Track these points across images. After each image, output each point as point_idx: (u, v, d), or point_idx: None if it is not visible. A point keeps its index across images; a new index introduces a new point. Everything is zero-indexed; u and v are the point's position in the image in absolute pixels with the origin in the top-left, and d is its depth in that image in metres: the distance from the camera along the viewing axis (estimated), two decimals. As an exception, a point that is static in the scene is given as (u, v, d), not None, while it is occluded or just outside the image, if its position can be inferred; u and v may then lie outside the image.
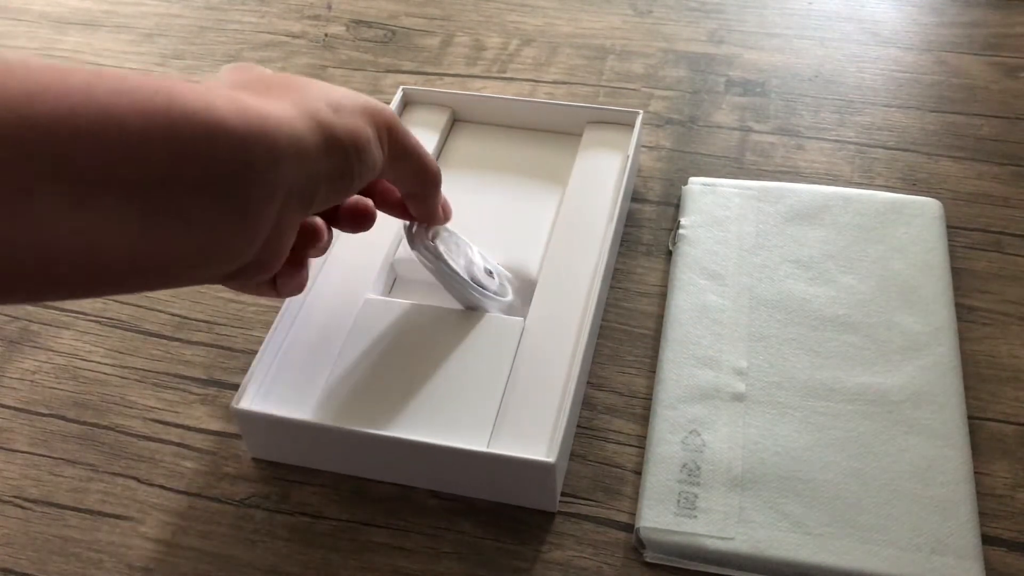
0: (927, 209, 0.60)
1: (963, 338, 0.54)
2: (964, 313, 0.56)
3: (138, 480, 0.52)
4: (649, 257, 0.61)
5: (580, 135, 0.65)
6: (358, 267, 0.57)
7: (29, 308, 0.61)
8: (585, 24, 0.80)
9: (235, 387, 0.53)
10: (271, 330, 0.53)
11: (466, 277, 0.51)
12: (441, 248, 0.50)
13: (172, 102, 0.32)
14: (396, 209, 0.50)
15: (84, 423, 0.54)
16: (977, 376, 0.53)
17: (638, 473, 0.50)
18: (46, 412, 0.55)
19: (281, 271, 0.43)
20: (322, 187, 0.38)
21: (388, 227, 0.60)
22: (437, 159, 0.65)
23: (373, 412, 0.50)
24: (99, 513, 0.50)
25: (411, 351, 0.52)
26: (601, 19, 0.80)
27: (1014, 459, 0.50)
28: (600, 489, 0.50)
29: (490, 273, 0.54)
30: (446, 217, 0.51)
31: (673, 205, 0.64)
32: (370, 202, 0.48)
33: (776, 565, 0.45)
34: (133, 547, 0.49)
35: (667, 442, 0.50)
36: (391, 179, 0.46)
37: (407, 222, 0.50)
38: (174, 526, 0.49)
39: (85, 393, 0.56)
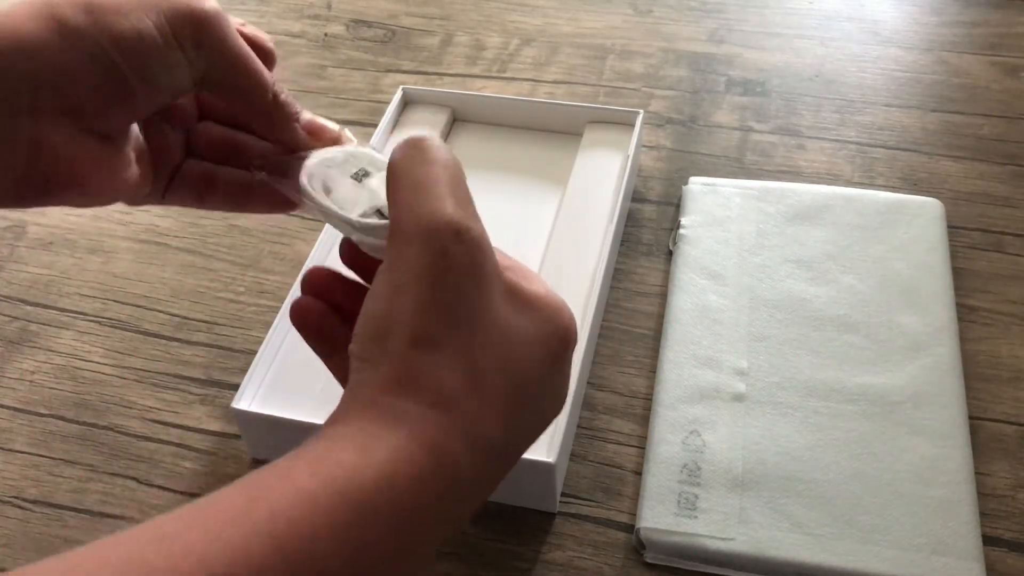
0: (928, 209, 0.60)
1: (964, 338, 0.54)
2: (965, 313, 0.56)
3: (137, 480, 0.52)
4: (649, 257, 0.61)
5: (580, 135, 0.65)
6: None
7: (28, 308, 0.61)
8: (585, 24, 0.80)
9: (235, 387, 0.52)
10: (271, 330, 0.53)
11: (341, 213, 0.38)
12: (311, 181, 0.39)
13: None
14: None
15: (83, 423, 0.54)
16: (978, 376, 0.53)
17: (638, 473, 0.50)
18: (45, 412, 0.55)
19: (168, 186, 0.40)
20: (81, 92, 0.33)
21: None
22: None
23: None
24: (98, 514, 0.50)
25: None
26: (601, 19, 0.80)
27: (1015, 459, 0.50)
28: (600, 489, 0.50)
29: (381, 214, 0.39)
30: (316, 137, 0.41)
31: (673, 205, 0.64)
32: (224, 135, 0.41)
33: (777, 565, 0.45)
34: (132, 548, 0.49)
35: (667, 442, 0.49)
36: (218, 96, 0.38)
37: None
38: (173, 526, 0.49)
39: (84, 393, 0.56)
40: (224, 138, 0.41)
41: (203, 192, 0.41)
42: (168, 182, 0.41)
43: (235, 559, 0.24)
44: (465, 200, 0.31)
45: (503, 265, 0.33)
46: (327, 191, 0.38)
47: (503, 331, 0.30)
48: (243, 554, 0.24)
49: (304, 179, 0.38)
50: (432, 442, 0.28)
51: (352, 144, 0.40)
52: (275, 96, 0.38)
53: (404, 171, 0.31)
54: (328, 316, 0.37)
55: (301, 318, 0.36)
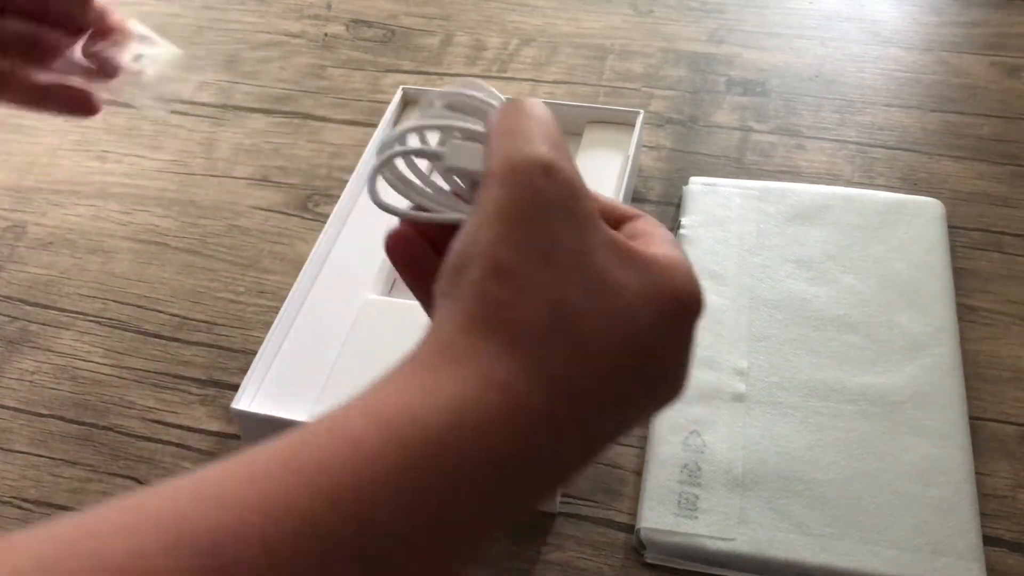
0: (928, 209, 0.60)
1: (964, 338, 0.54)
2: (965, 313, 0.56)
3: (137, 481, 0.52)
4: (649, 257, 0.61)
5: (580, 135, 0.65)
6: (358, 267, 0.57)
7: (28, 308, 0.61)
8: (585, 24, 0.80)
9: (234, 388, 0.52)
10: (271, 330, 0.53)
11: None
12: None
13: None
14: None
15: (83, 424, 0.54)
16: (978, 376, 0.53)
17: (638, 474, 0.50)
18: (45, 413, 0.55)
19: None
20: None
21: (388, 226, 0.60)
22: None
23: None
24: (98, 514, 0.50)
25: (411, 351, 0.52)
26: (601, 19, 0.80)
27: (1015, 459, 0.50)
28: (600, 490, 0.50)
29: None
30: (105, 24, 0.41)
31: (674, 205, 0.64)
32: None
33: (777, 566, 0.45)
34: (132, 548, 0.49)
35: (668, 443, 0.49)
36: None
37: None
38: (173, 527, 0.49)
39: (84, 394, 0.56)
40: (24, 33, 0.41)
41: None
42: None
43: (281, 518, 0.22)
44: (558, 146, 0.30)
45: (616, 214, 0.32)
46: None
47: (600, 276, 0.27)
48: (291, 511, 0.22)
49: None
50: (504, 383, 0.25)
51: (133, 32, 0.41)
52: None
53: (500, 123, 0.30)
54: (421, 246, 0.34)
55: (393, 246, 0.34)
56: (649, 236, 0.30)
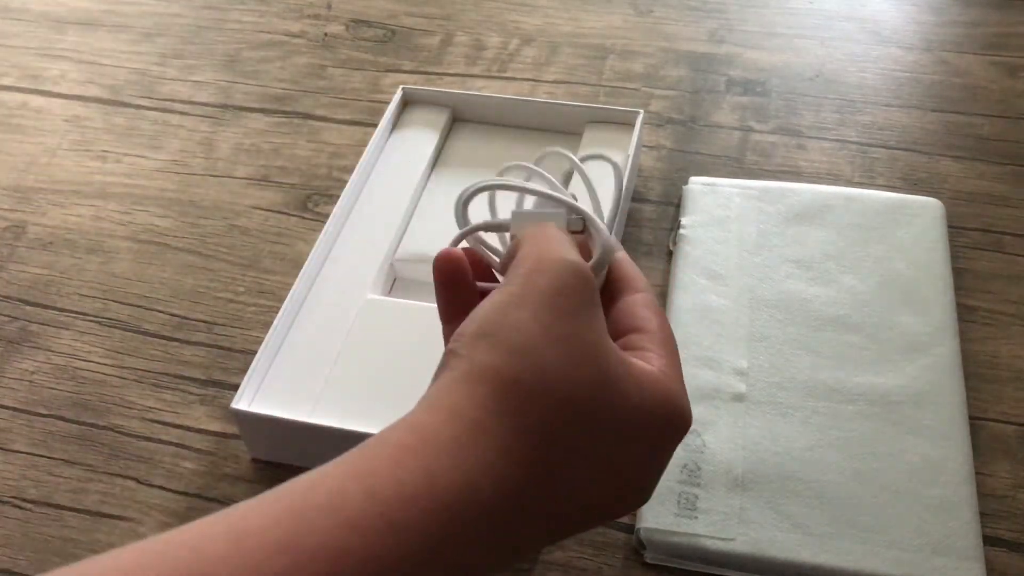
0: (928, 209, 0.60)
1: (964, 338, 0.54)
2: (965, 313, 0.56)
3: (137, 481, 0.52)
4: (650, 257, 0.61)
5: (580, 135, 0.65)
6: (358, 267, 0.57)
7: (28, 308, 0.61)
8: (585, 23, 0.80)
9: (234, 387, 0.52)
10: (271, 330, 0.53)
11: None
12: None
13: None
14: None
15: (83, 423, 0.54)
16: (978, 376, 0.53)
17: (638, 473, 0.50)
18: (45, 413, 0.55)
19: None
20: None
21: (389, 226, 0.60)
22: (437, 159, 0.65)
23: (373, 412, 0.50)
24: (98, 514, 0.50)
25: (411, 351, 0.52)
26: (601, 18, 0.80)
27: (1015, 459, 0.50)
28: (600, 490, 0.50)
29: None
30: None
31: (674, 205, 0.64)
32: None
33: (777, 566, 0.45)
34: (132, 548, 0.49)
35: (667, 442, 0.49)
36: None
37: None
38: (173, 527, 0.49)
39: (84, 394, 0.56)
40: None
41: None
42: None
43: None
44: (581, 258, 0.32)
45: (616, 285, 0.34)
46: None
47: (610, 379, 0.29)
48: None
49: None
50: (506, 473, 0.27)
51: None
52: None
53: (530, 232, 0.33)
54: (467, 272, 0.35)
55: (443, 264, 0.35)
56: (649, 346, 0.32)
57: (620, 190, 0.35)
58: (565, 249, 0.31)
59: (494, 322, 0.29)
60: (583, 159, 0.37)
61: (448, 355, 0.29)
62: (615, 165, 0.36)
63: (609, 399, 0.29)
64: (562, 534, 0.30)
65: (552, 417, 0.27)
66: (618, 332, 0.33)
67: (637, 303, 0.34)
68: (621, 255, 0.36)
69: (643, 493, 0.31)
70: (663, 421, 0.30)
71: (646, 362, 0.31)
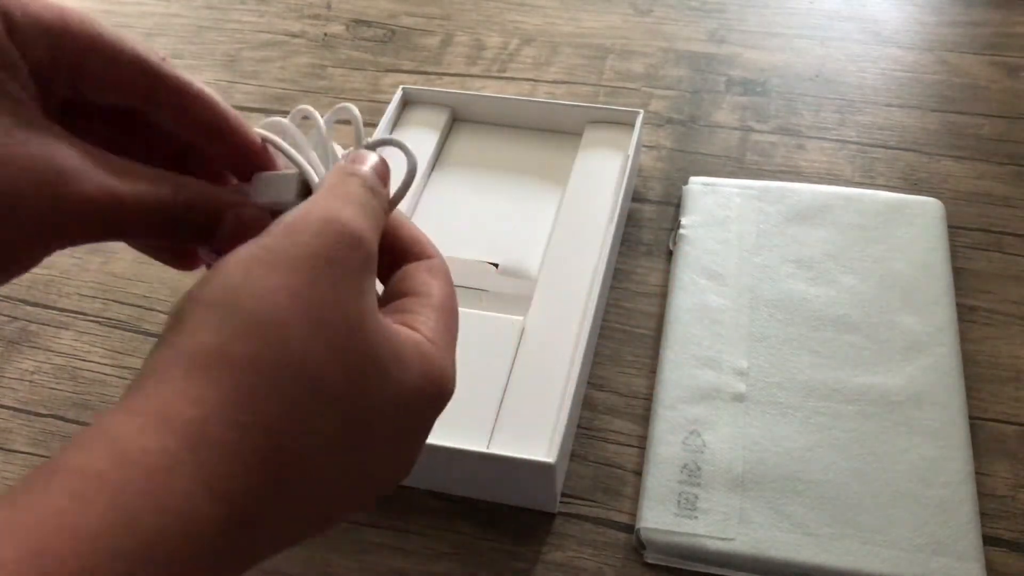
0: (928, 209, 0.60)
1: (964, 338, 0.54)
2: (965, 313, 0.56)
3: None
4: (649, 257, 0.61)
5: (580, 135, 0.65)
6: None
7: (28, 308, 0.61)
8: (585, 23, 0.80)
9: (234, 387, 0.52)
10: (270, 330, 0.53)
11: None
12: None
13: None
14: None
15: (83, 424, 0.54)
16: (978, 376, 0.53)
17: (638, 473, 0.50)
18: (45, 412, 0.55)
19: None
20: None
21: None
22: (437, 159, 0.65)
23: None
24: (98, 514, 0.50)
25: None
26: (601, 18, 0.80)
27: (1015, 459, 0.50)
28: (600, 490, 0.50)
29: None
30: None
31: (673, 205, 0.64)
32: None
33: (777, 566, 0.45)
34: (132, 548, 0.49)
35: (667, 443, 0.49)
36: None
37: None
38: (173, 527, 0.49)
39: (84, 394, 0.56)
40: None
41: None
42: None
43: None
44: (375, 216, 0.28)
45: (401, 245, 0.31)
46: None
47: (364, 358, 0.25)
48: None
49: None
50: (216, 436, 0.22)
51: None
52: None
53: (330, 182, 0.29)
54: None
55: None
56: (420, 310, 0.29)
57: (412, 175, 0.32)
58: (349, 209, 0.27)
59: (234, 287, 0.24)
60: (374, 144, 0.33)
61: (173, 318, 0.25)
62: (407, 150, 0.32)
63: (365, 380, 0.25)
64: (309, 533, 0.26)
65: (290, 408, 0.24)
66: (393, 295, 0.30)
67: (421, 268, 0.31)
68: (395, 215, 0.32)
69: (405, 469, 0.29)
70: (424, 396, 0.28)
71: (413, 328, 0.28)
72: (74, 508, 0.20)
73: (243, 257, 0.25)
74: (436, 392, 0.28)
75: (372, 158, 0.31)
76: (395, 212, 0.32)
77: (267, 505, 0.23)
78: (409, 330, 0.28)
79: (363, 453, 0.26)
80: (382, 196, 0.30)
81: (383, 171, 0.31)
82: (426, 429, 0.29)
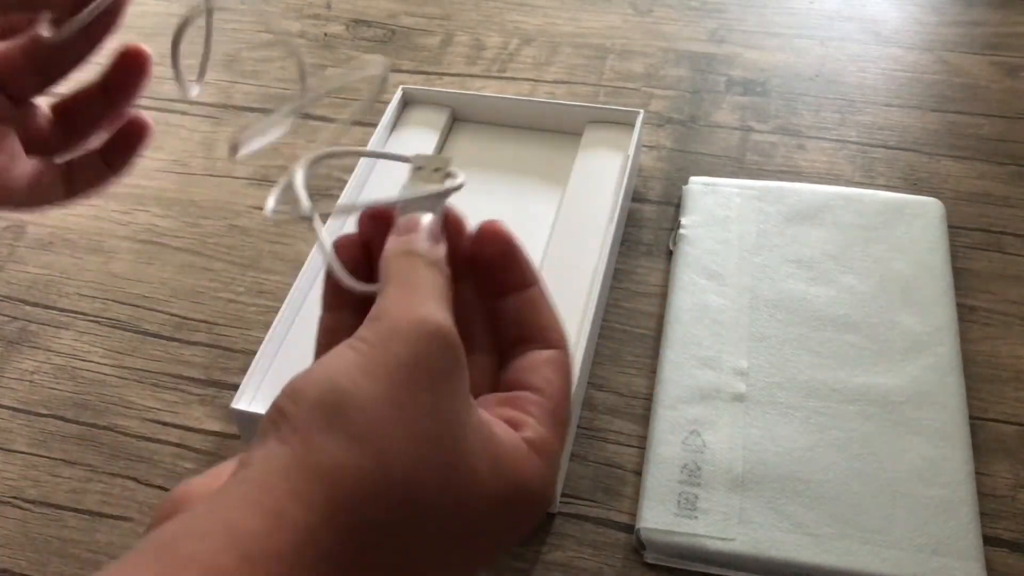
0: (928, 209, 0.60)
1: (964, 338, 0.54)
2: (965, 313, 0.56)
3: (137, 481, 0.52)
4: (649, 257, 0.61)
5: (580, 135, 0.65)
6: (358, 267, 0.57)
7: (28, 308, 0.61)
8: (585, 23, 0.80)
9: (234, 387, 0.52)
10: (270, 330, 0.53)
11: None
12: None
13: None
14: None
15: (83, 423, 0.54)
16: (978, 376, 0.53)
17: (638, 473, 0.50)
18: (45, 412, 0.55)
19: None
20: None
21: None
22: (437, 159, 0.65)
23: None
24: (98, 514, 0.50)
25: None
26: (601, 18, 0.80)
27: (1015, 459, 0.50)
28: (600, 489, 0.50)
29: None
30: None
31: (674, 205, 0.64)
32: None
33: (777, 566, 0.45)
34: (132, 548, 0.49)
35: (667, 442, 0.49)
36: None
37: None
38: (173, 527, 0.49)
39: (84, 393, 0.56)
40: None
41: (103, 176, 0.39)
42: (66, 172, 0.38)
43: None
44: (449, 306, 0.28)
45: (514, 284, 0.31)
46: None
47: (459, 462, 0.26)
48: None
49: None
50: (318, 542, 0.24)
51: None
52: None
53: (396, 271, 0.29)
54: (364, 254, 0.33)
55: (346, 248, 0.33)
56: (533, 411, 0.29)
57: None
58: (430, 304, 0.27)
59: (341, 391, 0.25)
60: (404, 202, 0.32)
61: (279, 417, 0.26)
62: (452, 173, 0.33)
63: (457, 485, 0.26)
64: None
65: (391, 515, 0.25)
66: (512, 383, 0.30)
67: (546, 360, 0.30)
68: (538, 291, 0.32)
69: (487, 566, 0.29)
70: (516, 507, 0.28)
71: (521, 428, 0.28)
72: None
73: (347, 360, 0.26)
74: (530, 504, 0.28)
75: (425, 223, 0.30)
76: (539, 289, 0.32)
77: None
78: (512, 434, 0.28)
79: (452, 552, 0.27)
80: (443, 266, 0.29)
81: (437, 233, 0.31)
82: (518, 534, 0.29)
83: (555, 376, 0.30)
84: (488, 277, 0.32)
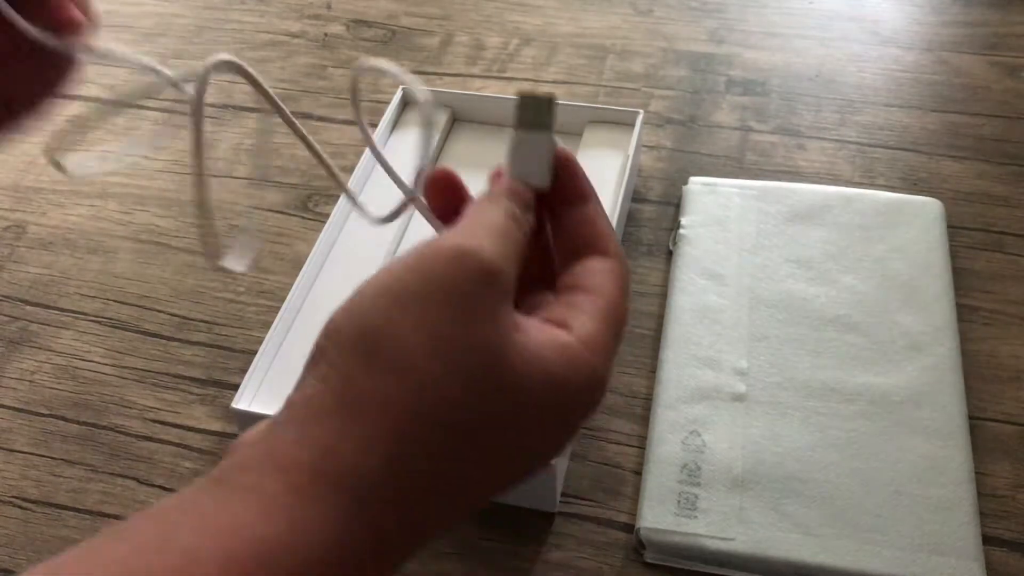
0: (928, 209, 0.60)
1: (964, 338, 0.54)
2: (965, 313, 0.56)
3: (137, 481, 0.52)
4: (649, 257, 0.61)
5: (580, 135, 0.65)
6: (358, 267, 0.57)
7: (28, 308, 0.61)
8: (585, 23, 0.80)
9: (234, 387, 0.53)
10: (271, 330, 0.53)
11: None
12: None
13: None
14: None
15: (83, 423, 0.54)
16: (978, 376, 0.53)
17: (638, 473, 0.50)
18: (45, 412, 0.55)
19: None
20: None
21: (389, 226, 0.60)
22: (437, 159, 0.65)
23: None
24: (99, 514, 0.50)
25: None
26: (601, 18, 0.80)
27: (1015, 459, 0.50)
28: (600, 489, 0.50)
29: None
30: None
31: (673, 205, 0.64)
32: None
33: (776, 565, 0.45)
34: (132, 548, 0.49)
35: (667, 442, 0.49)
36: None
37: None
38: (173, 526, 0.49)
39: (84, 393, 0.56)
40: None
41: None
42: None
43: None
44: (516, 252, 0.29)
45: (581, 241, 0.32)
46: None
47: (502, 375, 0.26)
48: None
49: None
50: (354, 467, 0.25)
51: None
52: None
53: (468, 210, 0.30)
54: (458, 189, 0.34)
55: (435, 184, 0.34)
56: (586, 305, 0.30)
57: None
58: (478, 236, 0.28)
59: (376, 328, 0.26)
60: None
61: (319, 355, 0.27)
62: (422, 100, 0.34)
63: (503, 404, 0.27)
64: (463, 514, 0.28)
65: (438, 442, 0.26)
66: (565, 287, 0.31)
67: (599, 266, 0.31)
68: (594, 205, 0.33)
69: (550, 458, 0.30)
70: (571, 407, 0.29)
71: (567, 326, 0.29)
72: (260, 521, 0.24)
73: (381, 294, 0.27)
74: (581, 403, 0.29)
75: (514, 183, 0.32)
76: (593, 203, 0.33)
77: (408, 529, 0.26)
78: (559, 332, 0.28)
79: (512, 460, 0.28)
80: (524, 223, 0.30)
81: (527, 197, 0.32)
82: (575, 428, 0.30)
83: (608, 279, 0.31)
84: (551, 192, 0.33)
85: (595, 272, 0.31)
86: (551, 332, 0.28)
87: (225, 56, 0.33)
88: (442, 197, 0.34)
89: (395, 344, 0.26)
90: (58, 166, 0.34)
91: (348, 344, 0.26)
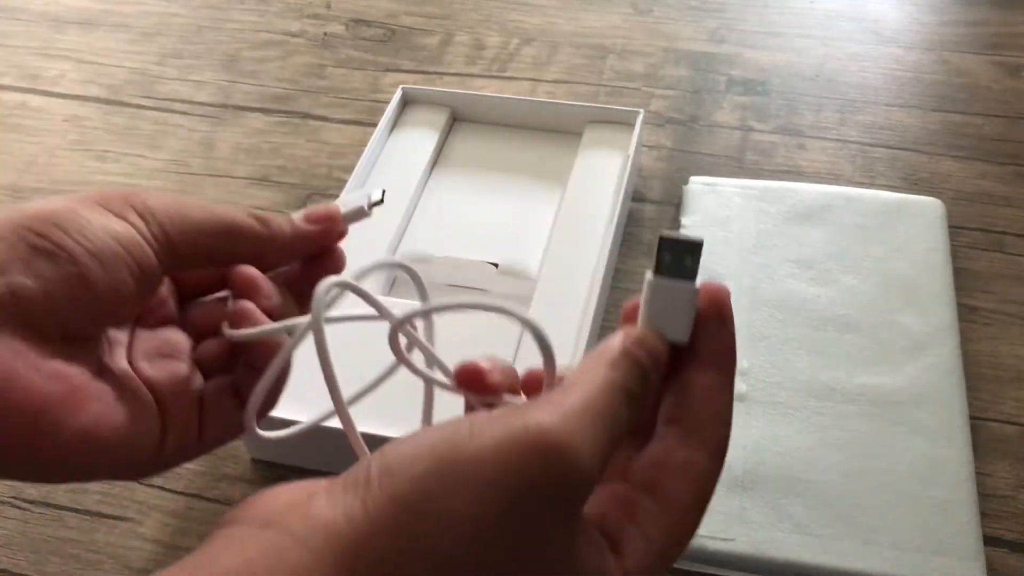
0: (929, 209, 0.60)
1: (965, 338, 0.54)
2: (966, 313, 0.56)
3: (137, 480, 0.51)
4: (650, 257, 0.61)
5: (580, 135, 0.64)
6: (358, 267, 0.57)
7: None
8: (585, 23, 0.80)
9: (234, 387, 0.52)
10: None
11: None
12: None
13: None
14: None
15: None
16: (979, 376, 0.53)
17: (638, 474, 0.50)
18: (45, 412, 0.55)
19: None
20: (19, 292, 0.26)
21: (389, 226, 0.60)
22: (437, 159, 0.65)
23: (372, 412, 0.49)
24: (98, 514, 0.50)
25: (411, 351, 0.52)
26: (602, 18, 0.80)
27: (1016, 459, 0.50)
28: (600, 490, 0.49)
29: None
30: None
31: (674, 205, 0.64)
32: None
33: (777, 566, 0.45)
34: (132, 548, 0.49)
35: (667, 443, 0.49)
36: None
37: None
38: (173, 527, 0.49)
39: (84, 393, 0.56)
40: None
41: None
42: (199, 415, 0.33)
43: None
44: (618, 437, 0.24)
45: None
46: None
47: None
48: None
49: None
50: None
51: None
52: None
53: (577, 369, 0.25)
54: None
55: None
56: (651, 516, 0.25)
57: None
58: (593, 427, 0.23)
59: (424, 493, 0.22)
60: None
61: (364, 480, 0.22)
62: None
63: None
64: None
65: None
66: (635, 477, 0.26)
67: (681, 461, 0.25)
68: (725, 379, 0.27)
69: None
70: None
71: (620, 553, 0.24)
72: None
73: (446, 453, 0.22)
74: None
75: (648, 336, 0.27)
76: (725, 375, 0.27)
77: None
78: (608, 562, 0.24)
79: None
80: (640, 396, 0.25)
81: (659, 352, 0.26)
82: None
83: (689, 488, 0.25)
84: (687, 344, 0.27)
85: (679, 472, 0.25)
86: (598, 561, 0.24)
87: (335, 279, 0.32)
88: (470, 389, 0.29)
89: (439, 531, 0.21)
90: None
91: (392, 496, 0.22)
